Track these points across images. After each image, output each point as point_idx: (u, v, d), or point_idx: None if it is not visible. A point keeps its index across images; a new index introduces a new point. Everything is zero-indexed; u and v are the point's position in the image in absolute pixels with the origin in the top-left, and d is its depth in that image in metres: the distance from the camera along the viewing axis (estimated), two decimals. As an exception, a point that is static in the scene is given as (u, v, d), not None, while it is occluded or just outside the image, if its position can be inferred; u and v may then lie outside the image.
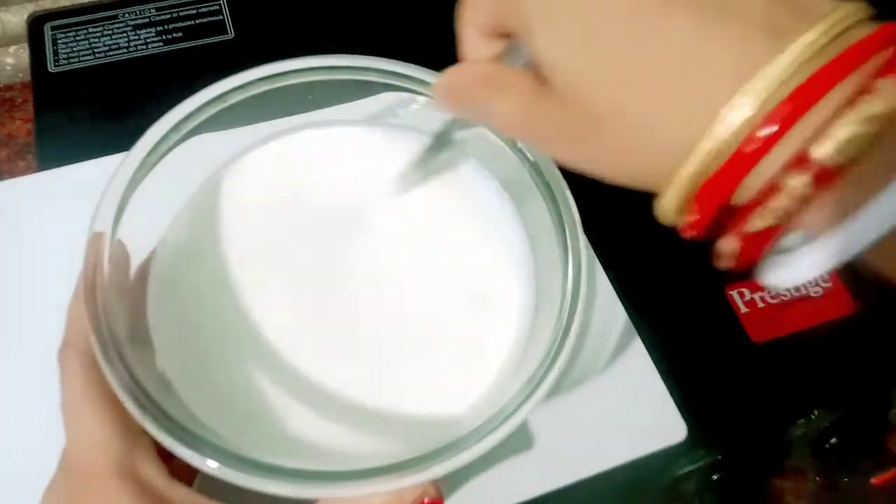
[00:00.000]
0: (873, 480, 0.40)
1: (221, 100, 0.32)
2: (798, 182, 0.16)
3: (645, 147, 0.18)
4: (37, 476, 0.26)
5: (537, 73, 0.21)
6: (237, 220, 0.34)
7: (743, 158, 0.16)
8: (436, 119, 0.30)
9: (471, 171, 0.35)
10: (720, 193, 0.17)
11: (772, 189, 0.16)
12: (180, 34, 0.50)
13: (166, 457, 0.26)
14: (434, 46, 0.50)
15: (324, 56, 0.33)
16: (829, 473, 0.42)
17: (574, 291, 0.28)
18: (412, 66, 0.33)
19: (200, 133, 0.32)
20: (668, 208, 0.18)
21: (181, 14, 0.51)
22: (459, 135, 0.29)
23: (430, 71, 0.32)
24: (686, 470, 0.38)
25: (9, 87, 0.52)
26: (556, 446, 0.26)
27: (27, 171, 0.47)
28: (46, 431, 0.28)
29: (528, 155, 0.31)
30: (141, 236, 0.30)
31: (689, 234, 0.18)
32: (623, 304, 0.36)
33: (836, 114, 0.15)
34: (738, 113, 0.16)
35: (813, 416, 0.40)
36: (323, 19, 0.52)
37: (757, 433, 0.40)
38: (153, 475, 0.25)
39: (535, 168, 0.31)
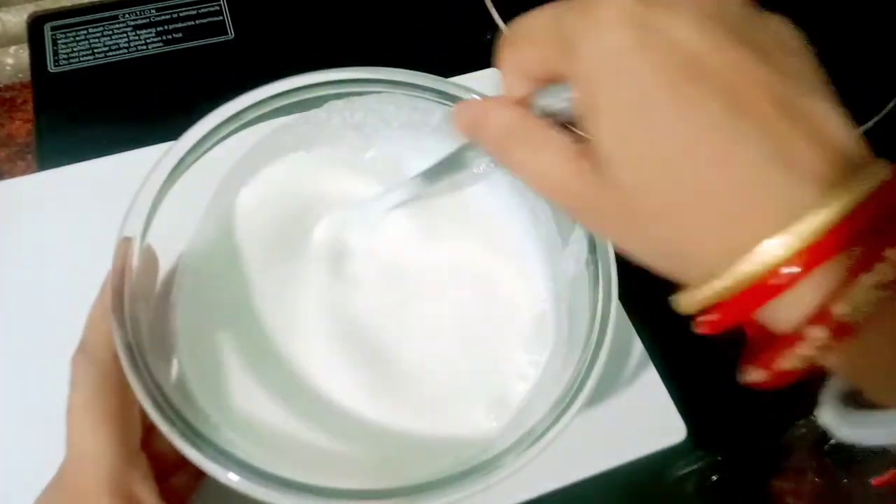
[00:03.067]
0: (873, 481, 0.40)
1: (256, 107, 0.32)
2: (819, 334, 0.17)
3: (682, 250, 0.20)
4: (33, 476, 0.26)
5: (575, 133, 0.21)
6: (262, 235, 0.34)
7: (767, 288, 0.18)
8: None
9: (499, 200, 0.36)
10: (741, 310, 0.19)
11: (797, 337, 0.18)
12: (180, 34, 0.50)
13: (158, 480, 0.26)
14: (431, 46, 0.51)
15: (370, 69, 0.33)
16: (829, 474, 0.42)
17: (603, 316, 0.28)
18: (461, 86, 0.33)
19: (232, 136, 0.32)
20: (689, 305, 0.20)
21: (181, 14, 0.51)
22: (474, 158, 0.29)
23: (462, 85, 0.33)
24: (686, 471, 0.38)
25: (9, 87, 0.52)
26: (557, 446, 0.26)
27: (27, 171, 0.47)
28: (43, 432, 0.28)
29: None
30: (167, 242, 0.31)
31: (702, 329, 0.20)
32: (624, 306, 0.36)
33: (853, 274, 0.17)
34: (777, 248, 0.17)
35: (813, 417, 0.40)
36: (322, 20, 0.52)
37: (757, 434, 0.40)
38: (145, 496, 0.25)
39: None
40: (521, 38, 0.23)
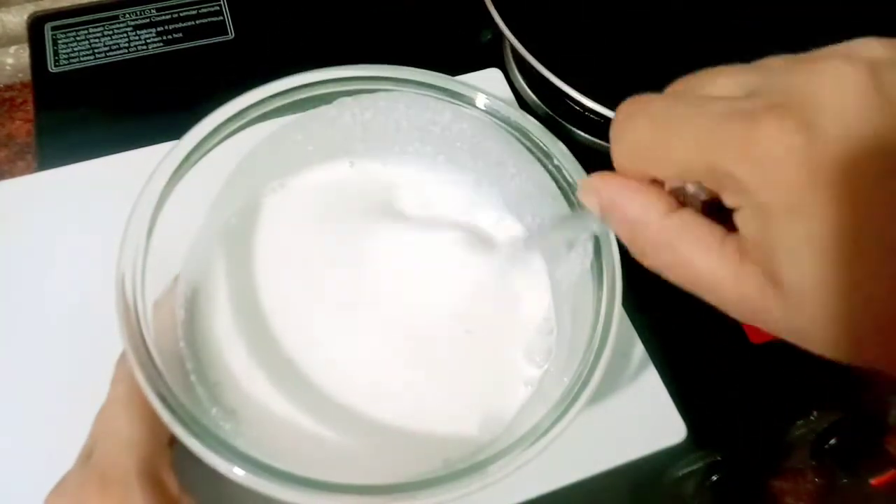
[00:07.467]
0: (872, 482, 0.40)
1: (265, 104, 0.32)
2: None
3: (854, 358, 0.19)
4: (33, 476, 0.26)
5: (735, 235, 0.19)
6: (275, 236, 0.34)
7: None
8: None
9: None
10: None
11: None
12: (180, 34, 0.50)
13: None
14: (431, 46, 0.51)
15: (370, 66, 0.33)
16: (828, 474, 0.42)
17: (607, 318, 0.28)
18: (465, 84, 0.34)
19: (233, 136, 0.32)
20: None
21: (181, 14, 0.51)
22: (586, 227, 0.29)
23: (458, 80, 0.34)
24: (686, 471, 0.38)
25: (9, 87, 0.52)
26: (557, 446, 0.26)
27: (27, 171, 0.47)
28: (43, 431, 0.28)
29: (566, 175, 0.32)
30: (172, 239, 0.31)
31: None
32: (624, 306, 0.36)
33: None
34: None
35: (812, 418, 0.40)
36: (322, 20, 0.52)
37: (756, 434, 0.40)
38: (170, 483, 0.27)
39: (568, 184, 0.32)
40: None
